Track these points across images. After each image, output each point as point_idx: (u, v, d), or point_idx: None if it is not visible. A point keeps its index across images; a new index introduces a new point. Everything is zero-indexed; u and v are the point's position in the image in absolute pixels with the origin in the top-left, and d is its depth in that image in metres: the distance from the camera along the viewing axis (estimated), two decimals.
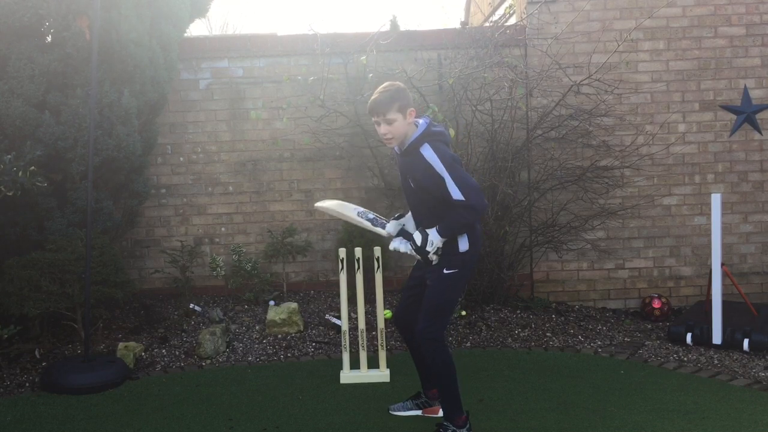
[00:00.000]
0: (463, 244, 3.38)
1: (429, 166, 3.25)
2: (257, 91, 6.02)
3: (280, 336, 5.16)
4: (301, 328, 5.23)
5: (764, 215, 6.02)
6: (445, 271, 3.38)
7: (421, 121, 3.39)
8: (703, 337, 4.91)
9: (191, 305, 5.55)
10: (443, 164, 3.24)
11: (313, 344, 5.05)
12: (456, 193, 3.22)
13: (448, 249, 3.38)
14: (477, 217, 3.32)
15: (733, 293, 5.52)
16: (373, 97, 3.36)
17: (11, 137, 4.78)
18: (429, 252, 3.35)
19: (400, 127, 3.32)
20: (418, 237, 3.38)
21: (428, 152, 3.27)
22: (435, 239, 3.33)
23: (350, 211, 3.73)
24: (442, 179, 3.23)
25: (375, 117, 3.34)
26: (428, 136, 3.33)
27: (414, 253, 3.41)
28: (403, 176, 3.46)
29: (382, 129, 3.33)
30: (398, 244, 3.49)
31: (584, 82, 5.46)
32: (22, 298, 4.57)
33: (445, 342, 3.44)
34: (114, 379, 4.36)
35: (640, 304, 5.93)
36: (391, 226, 3.55)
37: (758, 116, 5.45)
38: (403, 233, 3.51)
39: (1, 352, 4.60)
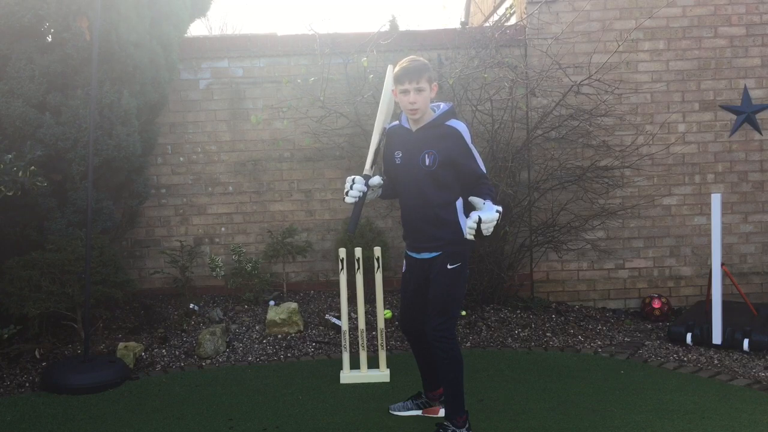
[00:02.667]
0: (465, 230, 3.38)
1: (460, 138, 3.30)
2: (257, 92, 6.03)
3: (280, 336, 5.16)
4: (301, 328, 5.23)
5: (764, 215, 6.02)
6: (449, 267, 3.36)
7: (442, 104, 3.45)
8: (703, 337, 4.91)
9: (191, 305, 5.55)
10: (470, 140, 3.35)
11: (313, 344, 5.05)
12: (483, 167, 3.34)
13: (455, 238, 3.35)
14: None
15: (733, 293, 5.52)
16: (403, 65, 3.36)
17: (11, 137, 4.78)
18: (491, 227, 3.20)
19: (427, 98, 3.34)
20: (491, 208, 3.19)
21: (460, 125, 3.33)
22: (496, 210, 3.22)
23: (380, 123, 3.56)
24: (471, 154, 3.31)
25: (406, 85, 3.30)
26: (454, 114, 3.42)
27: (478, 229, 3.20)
28: (413, 154, 3.37)
29: (411, 98, 3.30)
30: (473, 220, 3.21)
31: (584, 82, 5.46)
32: (22, 298, 4.57)
33: (457, 339, 3.43)
34: (114, 379, 4.36)
35: (640, 304, 5.93)
36: (376, 179, 3.45)
37: (758, 116, 5.45)
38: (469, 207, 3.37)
39: (1, 352, 4.60)
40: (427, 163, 3.33)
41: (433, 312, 3.39)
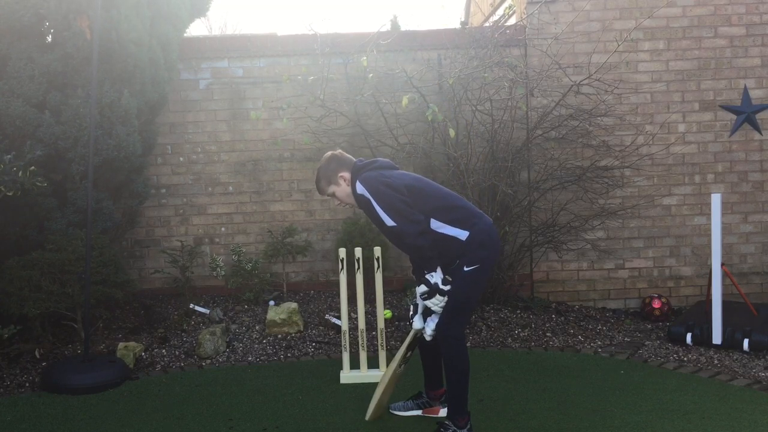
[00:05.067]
0: (458, 233, 3.34)
1: (365, 200, 3.38)
2: (257, 91, 6.02)
3: (280, 336, 5.16)
4: (301, 328, 5.23)
5: (764, 215, 6.02)
6: (465, 269, 3.33)
7: (349, 180, 3.51)
8: (703, 337, 4.91)
9: (192, 305, 5.55)
10: (370, 193, 3.35)
11: (313, 344, 5.05)
12: (388, 220, 3.30)
13: (462, 251, 3.34)
14: (413, 231, 3.25)
15: (733, 293, 5.52)
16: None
17: (11, 137, 4.78)
18: (444, 288, 3.31)
19: (343, 192, 3.51)
20: (421, 288, 3.36)
21: (359, 187, 3.41)
22: (434, 277, 3.31)
23: (390, 370, 3.68)
24: (375, 213, 3.34)
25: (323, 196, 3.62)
26: (356, 174, 3.46)
27: (436, 305, 3.35)
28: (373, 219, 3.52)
29: (335, 202, 3.62)
30: (417, 323, 3.52)
31: (584, 82, 5.46)
32: (22, 298, 4.57)
33: (465, 341, 3.43)
34: (114, 379, 4.36)
35: (640, 304, 5.93)
36: (416, 321, 3.56)
37: (758, 116, 5.45)
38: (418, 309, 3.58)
39: (1, 352, 4.60)
40: (385, 222, 3.35)
41: (444, 312, 3.39)
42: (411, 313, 3.61)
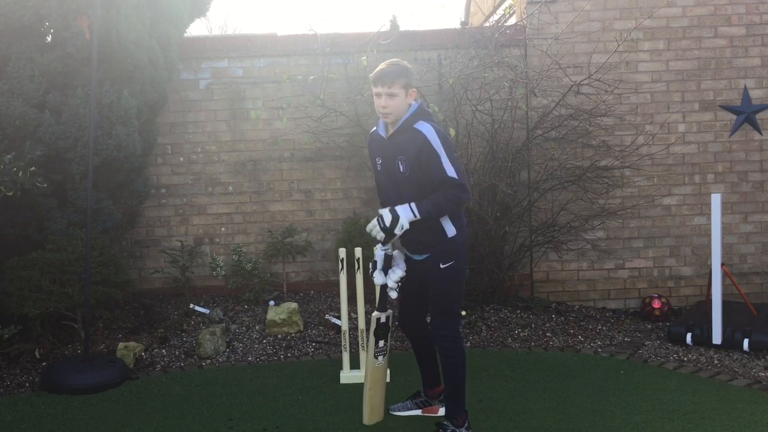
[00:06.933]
0: (450, 229, 3.35)
1: (426, 141, 3.24)
2: (257, 91, 6.02)
3: (280, 336, 5.16)
4: (301, 328, 5.23)
5: (764, 215, 6.02)
6: (441, 266, 3.34)
7: (413, 103, 3.38)
8: (703, 337, 4.91)
9: (192, 305, 5.55)
10: (439, 140, 3.25)
11: (313, 344, 5.05)
12: (450, 170, 3.22)
13: (437, 239, 3.34)
14: (466, 198, 3.29)
15: (733, 293, 5.52)
16: (380, 68, 3.34)
17: (11, 137, 4.78)
18: (396, 235, 3.27)
19: (400, 103, 3.31)
20: (387, 216, 3.29)
21: (425, 127, 3.28)
22: (405, 219, 3.26)
23: (368, 365, 3.66)
24: (438, 156, 3.23)
25: (379, 87, 3.30)
26: (423, 114, 3.36)
27: (382, 241, 3.33)
28: (389, 161, 3.38)
29: (383, 102, 3.30)
30: (379, 278, 3.47)
31: (584, 82, 5.46)
32: (22, 298, 4.57)
33: (461, 337, 3.43)
34: (114, 379, 4.36)
35: (640, 304, 5.93)
36: (377, 276, 3.52)
37: (758, 116, 5.45)
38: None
39: (1, 352, 4.60)
40: (401, 170, 3.33)
41: (434, 312, 3.40)
42: (371, 269, 3.54)
